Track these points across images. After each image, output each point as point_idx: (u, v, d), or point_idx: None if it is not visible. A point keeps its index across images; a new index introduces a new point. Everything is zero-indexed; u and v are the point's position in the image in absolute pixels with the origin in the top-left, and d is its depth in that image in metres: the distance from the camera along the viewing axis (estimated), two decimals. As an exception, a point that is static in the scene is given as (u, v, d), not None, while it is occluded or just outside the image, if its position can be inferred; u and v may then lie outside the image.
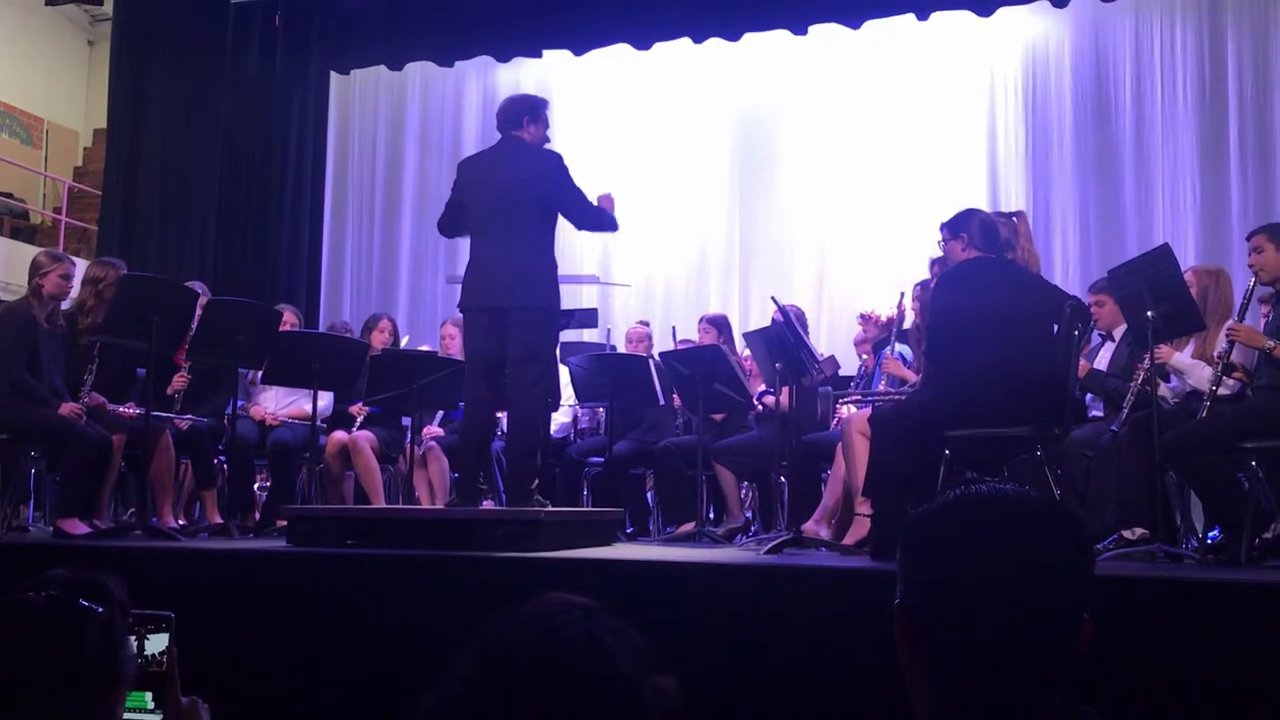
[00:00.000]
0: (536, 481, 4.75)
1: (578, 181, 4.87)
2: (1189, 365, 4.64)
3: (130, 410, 5.42)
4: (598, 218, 4.97)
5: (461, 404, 5.33)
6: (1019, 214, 4.44)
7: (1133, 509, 4.37)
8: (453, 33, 8.85)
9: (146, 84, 9.33)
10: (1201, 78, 7.91)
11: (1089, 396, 5.19)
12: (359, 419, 6.17)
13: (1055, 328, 4.15)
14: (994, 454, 4.25)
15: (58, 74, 11.77)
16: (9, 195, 10.89)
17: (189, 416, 5.63)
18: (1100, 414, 5.10)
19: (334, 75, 9.81)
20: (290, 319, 6.30)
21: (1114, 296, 4.85)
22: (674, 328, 7.00)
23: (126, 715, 1.67)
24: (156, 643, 1.74)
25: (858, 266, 8.51)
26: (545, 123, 4.95)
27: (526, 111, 4.91)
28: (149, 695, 1.70)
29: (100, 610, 1.47)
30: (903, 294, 5.42)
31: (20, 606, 1.46)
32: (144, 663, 1.71)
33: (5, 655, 1.40)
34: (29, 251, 7.20)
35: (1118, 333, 5.14)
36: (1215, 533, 4.57)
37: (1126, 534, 4.35)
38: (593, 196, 4.95)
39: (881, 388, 5.32)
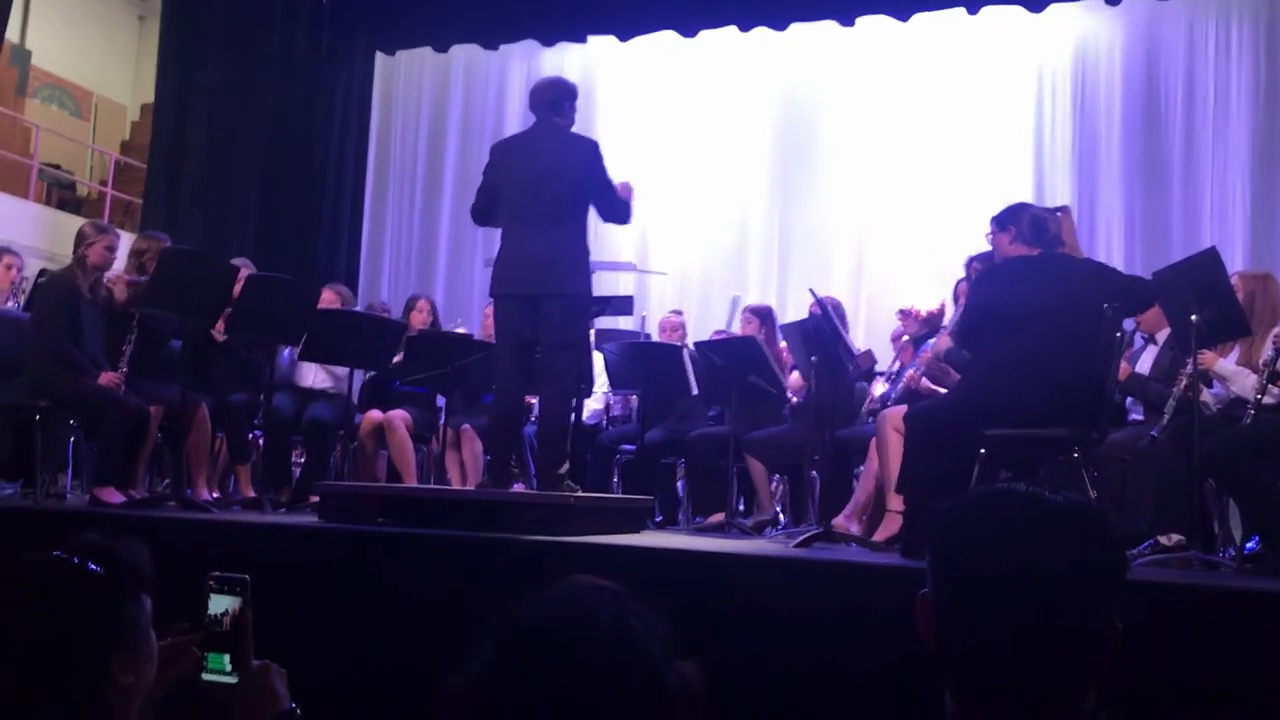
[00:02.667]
0: (566, 466, 4.74)
1: (611, 169, 4.85)
2: (1233, 372, 4.56)
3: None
4: (622, 211, 4.94)
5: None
6: (1063, 209, 4.39)
7: (1170, 515, 4.31)
8: (498, 15, 8.88)
9: (194, 61, 9.42)
10: (1256, 80, 7.77)
11: (1129, 400, 5.12)
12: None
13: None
14: (1030, 454, 4.20)
15: (108, 49, 11.89)
16: (57, 166, 11.03)
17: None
18: (1140, 418, 5.03)
19: (379, 56, 9.86)
20: (332, 297, 6.35)
21: (1159, 299, 4.77)
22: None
23: (206, 677, 1.69)
24: (219, 604, 1.74)
25: (898, 260, 8.45)
26: (575, 110, 4.94)
27: (567, 96, 4.89)
28: (228, 658, 1.70)
29: (99, 572, 1.49)
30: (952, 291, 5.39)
31: (16, 564, 1.49)
32: (209, 622, 1.73)
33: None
34: (75, 222, 7.29)
35: (1161, 336, 5.07)
36: (1253, 542, 4.50)
37: (1163, 540, 4.28)
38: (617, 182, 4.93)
39: (910, 374, 5.24)
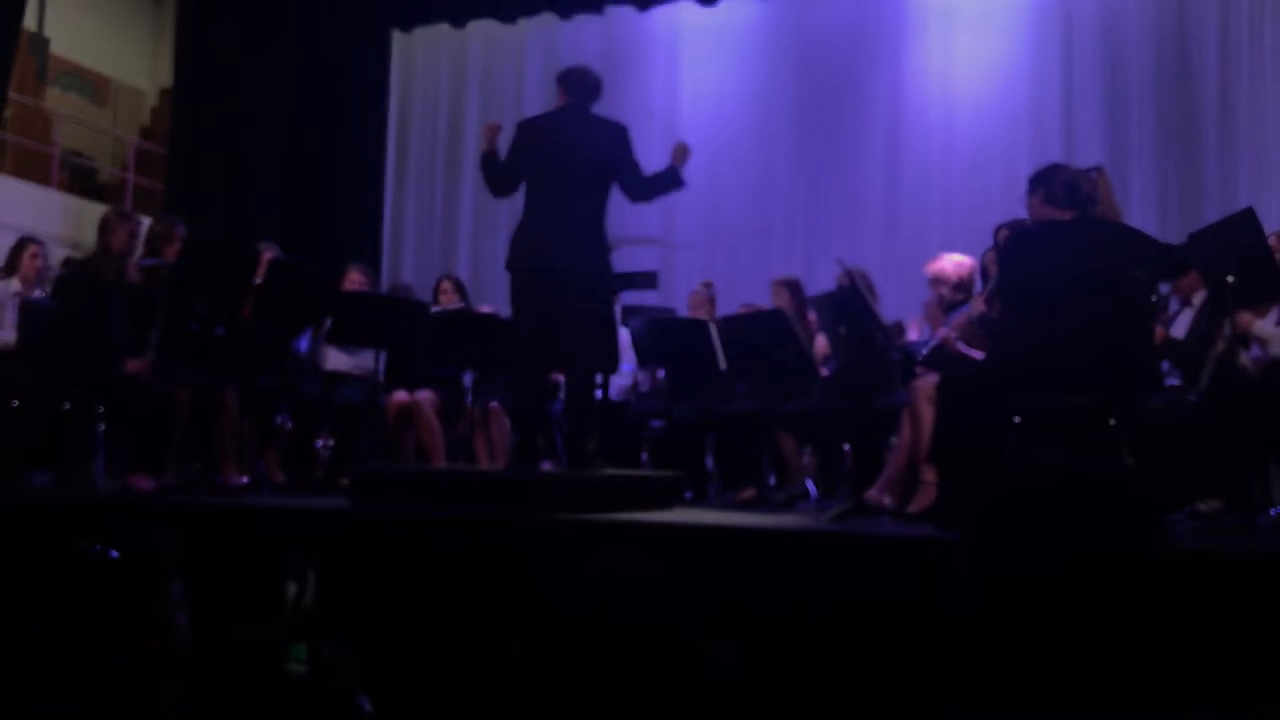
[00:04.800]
0: (595, 443, 4.74)
1: (633, 138, 4.88)
2: (1272, 334, 4.49)
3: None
4: (654, 188, 4.96)
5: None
6: (1098, 169, 4.31)
7: (1208, 481, 4.25)
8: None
9: (211, 43, 9.40)
10: (1290, 36, 7.63)
11: (1164, 365, 5.04)
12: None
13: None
14: (1065, 421, 4.14)
15: (125, 34, 11.88)
16: (77, 154, 11.05)
17: None
18: (1176, 383, 4.95)
19: (396, 33, 9.80)
20: (358, 278, 6.32)
21: (1194, 262, 4.69)
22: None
23: (289, 667, 1.67)
24: (291, 591, 1.73)
25: (926, 227, 8.34)
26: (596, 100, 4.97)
27: (595, 85, 4.92)
28: (303, 648, 1.68)
29: (116, 557, 1.49)
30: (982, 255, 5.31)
31: (32, 553, 1.48)
32: (287, 611, 1.71)
33: (41, 598, 1.44)
34: (97, 209, 7.29)
35: (1196, 299, 4.99)
36: (1295, 507, 4.43)
37: (1201, 506, 4.23)
38: (653, 159, 4.92)
39: (944, 333, 5.15)
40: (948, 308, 5.28)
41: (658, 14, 8.89)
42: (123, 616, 1.45)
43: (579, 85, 4.90)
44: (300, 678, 1.65)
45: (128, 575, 1.48)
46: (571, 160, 4.75)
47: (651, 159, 5.01)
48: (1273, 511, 4.49)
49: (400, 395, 6.08)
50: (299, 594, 1.71)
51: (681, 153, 4.99)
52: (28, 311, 5.82)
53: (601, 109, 4.98)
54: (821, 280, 7.19)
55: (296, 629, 1.68)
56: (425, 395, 6.04)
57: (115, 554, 1.49)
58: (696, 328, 5.92)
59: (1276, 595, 2.88)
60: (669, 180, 4.97)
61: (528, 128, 4.98)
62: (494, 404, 6.18)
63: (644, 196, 5.00)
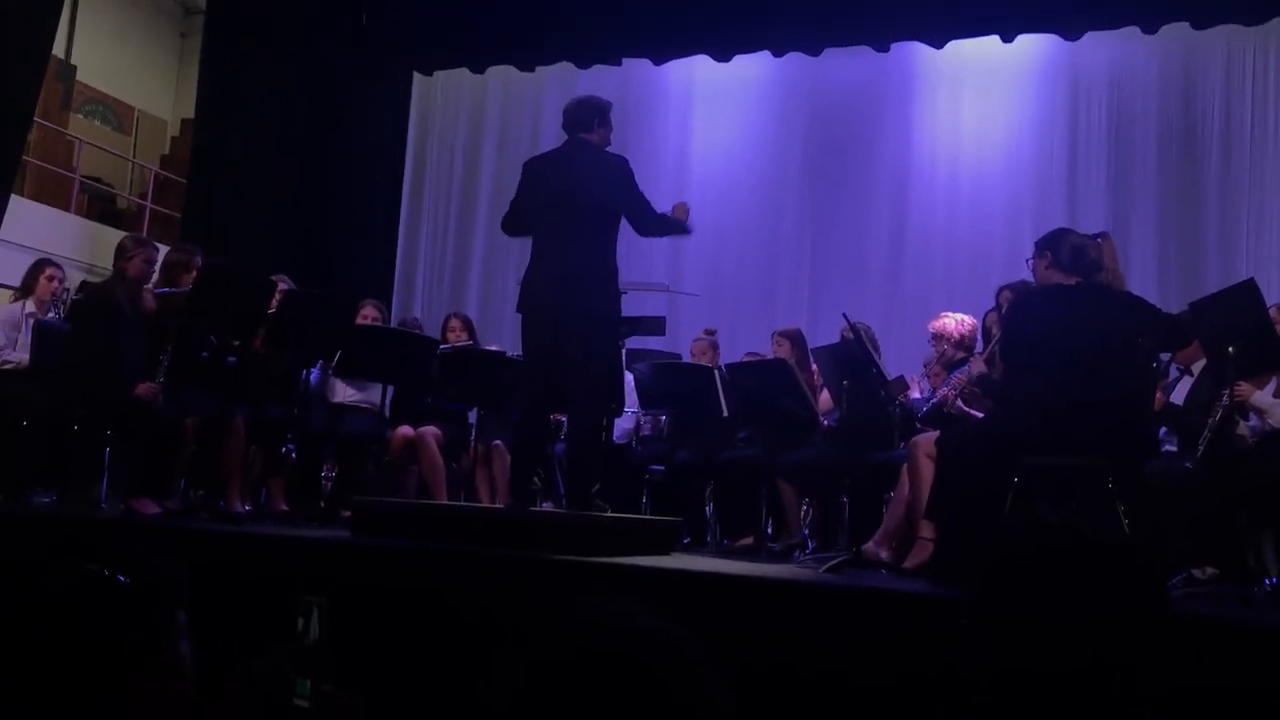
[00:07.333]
0: (597, 485, 4.75)
1: (644, 188, 4.87)
2: (1270, 404, 4.52)
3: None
4: (661, 224, 4.94)
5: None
6: (1103, 235, 4.38)
7: (1204, 547, 4.27)
8: (534, 38, 8.94)
9: (234, 78, 9.52)
10: (1293, 111, 7.73)
11: (1162, 431, 5.08)
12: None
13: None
14: (1064, 484, 4.18)
15: (150, 64, 12.06)
16: (98, 180, 11.17)
17: None
18: (1174, 449, 4.98)
19: (417, 75, 9.94)
20: (371, 313, 6.38)
21: (1195, 331, 4.73)
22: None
23: (295, 701, 1.67)
24: (300, 626, 1.74)
25: (931, 286, 8.41)
26: (610, 126, 4.97)
27: (596, 114, 4.92)
28: (308, 683, 1.68)
29: (126, 583, 1.49)
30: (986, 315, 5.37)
31: (42, 574, 1.49)
32: (296, 644, 1.72)
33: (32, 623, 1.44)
34: (115, 235, 7.38)
35: (1196, 367, 5.03)
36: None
37: (1196, 573, 4.25)
38: (665, 206, 4.95)
39: (943, 393, 5.19)
40: (949, 365, 5.33)
41: (673, 68, 9.01)
42: (126, 642, 1.46)
43: (576, 119, 4.90)
44: (303, 713, 1.66)
45: (135, 601, 1.49)
46: (572, 198, 4.73)
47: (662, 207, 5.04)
48: (1268, 582, 4.50)
49: (405, 429, 6.11)
50: (305, 629, 1.73)
51: (681, 210, 4.98)
52: (42, 333, 5.88)
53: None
54: (825, 333, 7.25)
55: (302, 663, 1.69)
56: (430, 430, 6.08)
57: (124, 579, 1.50)
58: (700, 374, 5.97)
59: (1271, 662, 2.89)
60: (675, 226, 4.97)
61: (530, 168, 5.01)
62: (497, 442, 6.22)
63: (649, 231, 4.98)
